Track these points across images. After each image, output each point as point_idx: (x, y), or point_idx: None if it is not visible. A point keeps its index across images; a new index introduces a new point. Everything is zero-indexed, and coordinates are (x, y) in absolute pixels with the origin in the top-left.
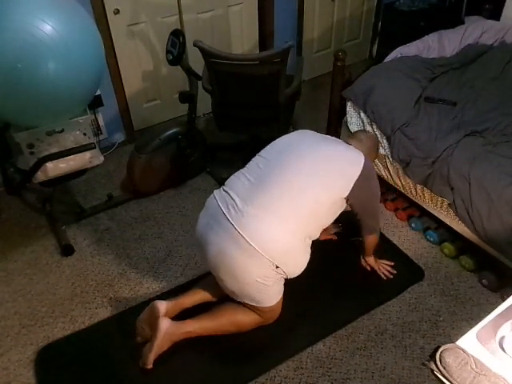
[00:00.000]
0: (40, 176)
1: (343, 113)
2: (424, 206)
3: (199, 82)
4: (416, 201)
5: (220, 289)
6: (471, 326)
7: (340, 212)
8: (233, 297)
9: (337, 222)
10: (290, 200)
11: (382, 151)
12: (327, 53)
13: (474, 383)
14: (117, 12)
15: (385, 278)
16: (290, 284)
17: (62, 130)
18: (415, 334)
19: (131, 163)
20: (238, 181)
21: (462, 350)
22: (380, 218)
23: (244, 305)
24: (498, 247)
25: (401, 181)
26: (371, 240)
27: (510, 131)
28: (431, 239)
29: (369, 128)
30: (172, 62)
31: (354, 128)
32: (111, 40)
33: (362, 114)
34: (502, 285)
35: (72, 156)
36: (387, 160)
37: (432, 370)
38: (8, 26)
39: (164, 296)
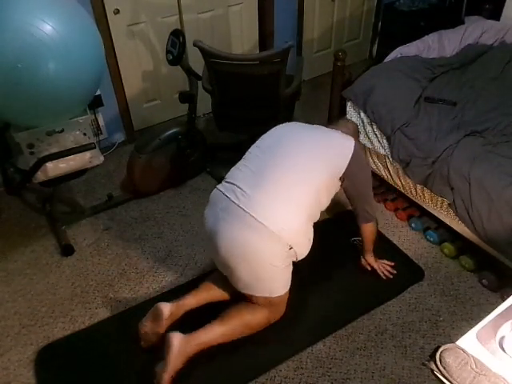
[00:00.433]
0: (40, 176)
1: (343, 113)
2: (424, 206)
3: (199, 82)
4: (416, 201)
5: (224, 288)
6: (471, 326)
7: (335, 193)
8: (243, 291)
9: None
10: (294, 184)
11: (381, 151)
12: (327, 53)
13: (473, 383)
14: (117, 12)
15: (384, 278)
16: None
17: (62, 130)
18: (415, 334)
19: (131, 163)
20: (240, 172)
21: (462, 350)
22: (375, 206)
23: (253, 301)
24: (498, 247)
25: (401, 181)
26: (369, 229)
27: (510, 131)
28: (431, 239)
29: (369, 128)
30: (172, 62)
31: None
32: (111, 40)
33: (362, 114)
34: (502, 285)
35: (72, 156)
36: (387, 160)
37: (432, 370)
38: (8, 26)
39: (164, 296)
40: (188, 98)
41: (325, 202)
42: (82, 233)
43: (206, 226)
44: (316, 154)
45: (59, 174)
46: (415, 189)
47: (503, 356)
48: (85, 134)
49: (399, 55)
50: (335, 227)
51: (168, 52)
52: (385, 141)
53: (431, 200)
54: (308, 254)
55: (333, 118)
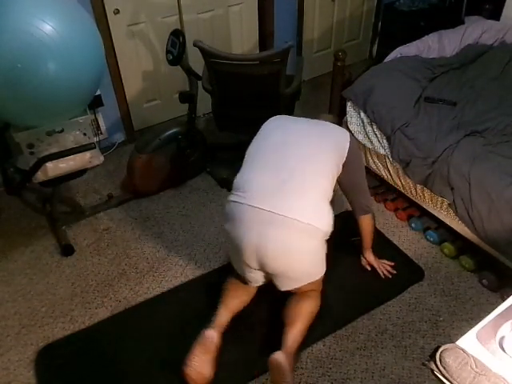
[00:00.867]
0: (40, 176)
1: (343, 113)
2: (424, 206)
3: (199, 82)
4: (416, 201)
5: (248, 295)
6: (471, 326)
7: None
8: (292, 288)
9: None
10: (314, 175)
11: (381, 151)
12: (327, 53)
13: (473, 383)
14: (117, 12)
15: (384, 277)
16: None
17: (62, 130)
18: (415, 334)
19: (131, 163)
20: (256, 178)
21: (462, 349)
22: (370, 199)
23: (301, 291)
24: (498, 247)
25: (401, 181)
26: (366, 222)
27: (510, 131)
28: (431, 239)
29: (369, 128)
30: (172, 62)
31: (354, 128)
32: (111, 40)
33: (362, 114)
34: (502, 285)
35: (72, 156)
36: (387, 160)
37: (432, 370)
38: (8, 26)
39: (164, 296)
40: (188, 98)
41: (332, 188)
42: (82, 233)
43: (239, 244)
44: (323, 143)
45: (59, 174)
46: (415, 189)
47: (503, 356)
48: (85, 134)
49: (399, 55)
50: (335, 227)
51: (168, 52)
52: (385, 141)
53: (431, 200)
54: None
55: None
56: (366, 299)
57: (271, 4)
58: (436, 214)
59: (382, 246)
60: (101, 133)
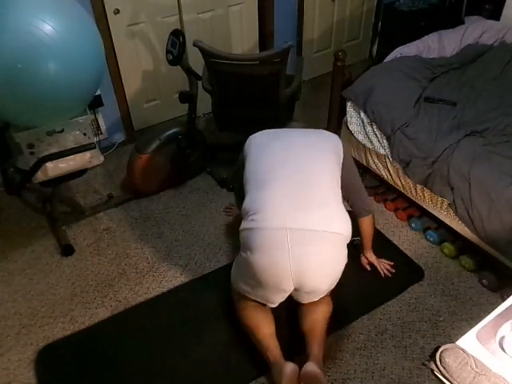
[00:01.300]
0: (40, 176)
1: (343, 113)
2: (424, 206)
3: (199, 82)
4: (416, 201)
5: (268, 309)
6: (471, 326)
7: None
8: (317, 299)
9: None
10: (324, 181)
11: (381, 151)
12: (327, 53)
13: (473, 383)
14: (117, 12)
15: (384, 276)
16: None
17: (62, 130)
18: (415, 334)
19: (131, 163)
20: (268, 198)
21: (462, 349)
22: (368, 199)
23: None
24: (498, 247)
25: (401, 181)
26: (367, 223)
27: (510, 131)
28: (431, 239)
29: (369, 128)
30: (172, 62)
31: (354, 128)
32: (111, 40)
33: (362, 114)
34: (502, 285)
35: (72, 156)
36: (387, 160)
37: (432, 370)
38: (8, 26)
39: (164, 296)
40: (188, 97)
41: None
42: (82, 233)
43: (274, 272)
44: (322, 149)
45: (59, 174)
46: (415, 189)
47: (503, 356)
48: (85, 134)
49: (399, 55)
50: None
51: (168, 52)
52: (385, 141)
53: (431, 200)
54: None
55: (333, 117)
56: (366, 299)
57: (271, 4)
58: (436, 214)
59: (382, 245)
60: (101, 133)
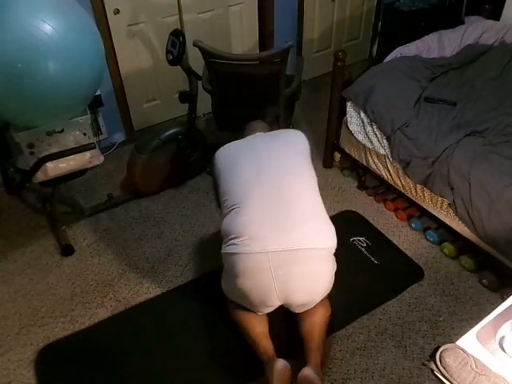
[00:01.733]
0: (40, 176)
1: (343, 113)
2: (424, 206)
3: (199, 82)
4: (416, 201)
5: (265, 318)
6: (471, 326)
7: None
8: (310, 307)
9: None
10: (303, 192)
11: (381, 151)
12: (327, 53)
13: (473, 383)
14: (117, 12)
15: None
16: None
17: (62, 130)
18: (415, 334)
19: (131, 163)
20: (248, 220)
21: (462, 349)
22: None
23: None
24: (498, 247)
25: (401, 181)
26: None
27: (510, 131)
28: (431, 239)
29: (369, 128)
30: (172, 62)
31: (354, 128)
32: (111, 40)
33: (362, 114)
34: (502, 285)
35: (72, 156)
36: (387, 160)
37: (432, 370)
38: (8, 26)
39: (164, 296)
40: (188, 97)
41: None
42: (82, 233)
43: (262, 294)
44: (292, 153)
45: (59, 174)
46: (415, 189)
47: (503, 356)
48: (85, 134)
49: (399, 55)
50: (335, 227)
51: (168, 52)
52: (385, 141)
53: (431, 200)
54: None
55: (333, 117)
56: (366, 299)
57: (271, 4)
58: (436, 214)
59: (382, 245)
60: (101, 133)
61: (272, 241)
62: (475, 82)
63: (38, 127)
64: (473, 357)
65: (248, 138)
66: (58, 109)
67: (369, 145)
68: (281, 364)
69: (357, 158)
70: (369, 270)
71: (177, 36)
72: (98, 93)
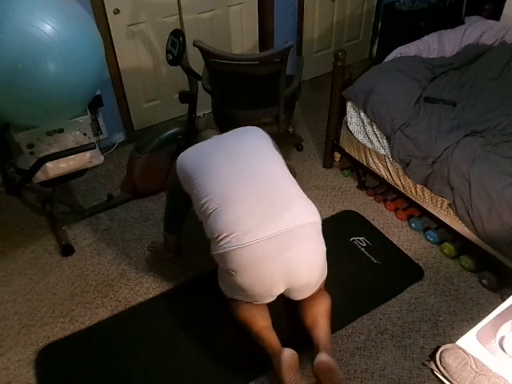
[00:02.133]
0: (40, 176)
1: (343, 113)
2: (424, 206)
3: (199, 82)
4: (416, 201)
5: (264, 305)
6: (471, 326)
7: None
8: (311, 294)
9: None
10: (278, 175)
11: (381, 151)
12: (327, 53)
13: (473, 383)
14: (117, 12)
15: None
16: None
17: (62, 130)
18: (415, 334)
19: (131, 163)
20: (237, 214)
21: (462, 350)
22: None
23: (314, 294)
24: (498, 247)
25: (401, 181)
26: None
27: (510, 131)
28: (431, 239)
29: (369, 128)
30: (172, 62)
31: (354, 128)
32: (111, 40)
33: (362, 114)
34: (502, 285)
35: (72, 156)
36: (387, 160)
37: (432, 370)
38: (8, 26)
39: (164, 296)
40: (188, 98)
41: None
42: (82, 233)
43: (266, 283)
44: (264, 149)
45: (59, 174)
46: (415, 189)
47: (503, 356)
48: (85, 134)
49: (399, 55)
50: (335, 227)
51: (168, 52)
52: (385, 141)
53: (431, 200)
54: None
55: (333, 118)
56: (366, 299)
57: (271, 4)
58: (436, 214)
59: (382, 245)
60: (101, 133)
61: (263, 229)
62: (475, 82)
63: (38, 127)
64: (473, 357)
65: (207, 140)
66: (58, 109)
67: (369, 145)
68: (287, 353)
69: (357, 157)
70: (369, 270)
71: (177, 36)
72: (98, 93)
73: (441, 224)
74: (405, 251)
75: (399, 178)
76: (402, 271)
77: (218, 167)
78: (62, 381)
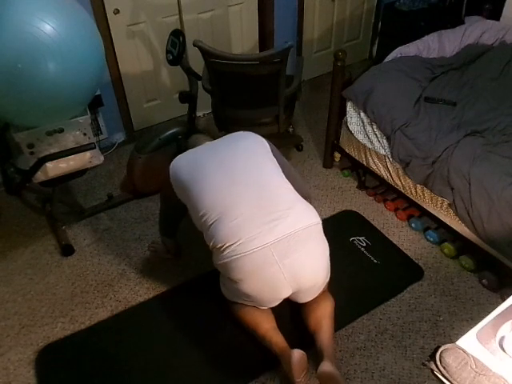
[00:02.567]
0: (40, 176)
1: (343, 113)
2: (424, 206)
3: (199, 82)
4: (416, 201)
5: (270, 312)
6: (471, 326)
7: None
8: (315, 295)
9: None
10: (275, 181)
11: (381, 151)
12: (327, 53)
13: (473, 383)
14: (117, 12)
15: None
16: None
17: (62, 130)
18: (415, 334)
19: (131, 163)
20: (238, 223)
21: (462, 350)
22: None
23: (317, 297)
24: (498, 247)
25: (401, 181)
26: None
27: (510, 131)
28: (431, 239)
29: (369, 128)
30: (172, 62)
31: (354, 128)
32: (111, 40)
33: (362, 114)
34: (502, 285)
35: (72, 156)
36: (387, 160)
37: (432, 370)
38: (8, 26)
39: (164, 296)
40: (188, 98)
41: None
42: (82, 233)
43: (274, 289)
44: (258, 155)
45: (59, 174)
46: (415, 189)
47: (503, 356)
48: (85, 134)
49: (399, 55)
50: (335, 227)
51: (168, 52)
52: (385, 141)
53: (431, 200)
54: None
55: (333, 118)
56: (366, 299)
57: (271, 4)
58: (436, 214)
59: (383, 245)
60: (101, 133)
61: (268, 234)
62: (475, 82)
63: (38, 127)
64: (473, 357)
65: (199, 146)
66: (57, 109)
67: (369, 145)
68: (297, 354)
69: (357, 157)
70: (369, 270)
71: (177, 36)
72: (98, 93)
73: (441, 224)
74: (405, 251)
75: (399, 178)
76: (402, 271)
77: (211, 176)
78: (62, 381)
